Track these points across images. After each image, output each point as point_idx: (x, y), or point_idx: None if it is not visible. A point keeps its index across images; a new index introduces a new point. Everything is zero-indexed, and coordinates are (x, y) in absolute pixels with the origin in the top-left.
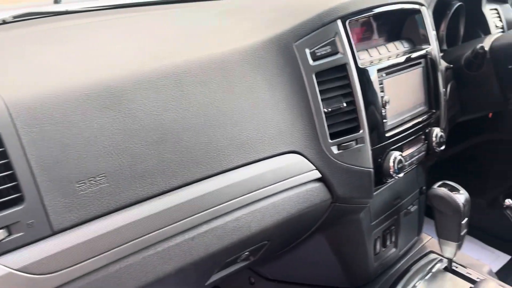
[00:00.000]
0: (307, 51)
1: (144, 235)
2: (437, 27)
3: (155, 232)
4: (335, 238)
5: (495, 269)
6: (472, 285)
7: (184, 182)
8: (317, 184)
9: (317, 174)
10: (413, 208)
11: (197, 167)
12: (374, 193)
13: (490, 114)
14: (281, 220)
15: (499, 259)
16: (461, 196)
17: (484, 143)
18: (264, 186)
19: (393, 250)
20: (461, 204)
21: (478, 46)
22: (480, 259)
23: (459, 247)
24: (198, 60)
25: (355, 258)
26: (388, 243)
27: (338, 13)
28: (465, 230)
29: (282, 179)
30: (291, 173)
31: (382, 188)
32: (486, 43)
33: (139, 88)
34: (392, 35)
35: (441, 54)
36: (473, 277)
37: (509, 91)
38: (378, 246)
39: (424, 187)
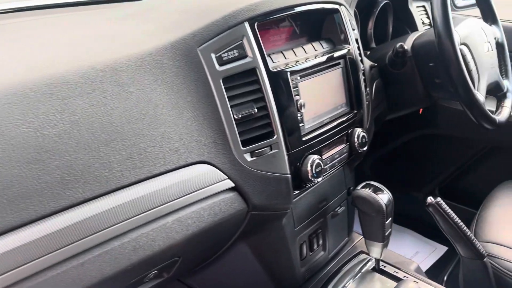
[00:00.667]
0: (213, 55)
1: (22, 265)
2: (365, 25)
3: (35, 261)
4: (258, 246)
5: (433, 260)
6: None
7: (68, 203)
8: (231, 194)
9: (230, 184)
10: (340, 210)
11: (84, 187)
12: (297, 198)
13: (421, 110)
14: (190, 235)
15: (437, 251)
16: (384, 196)
17: (419, 139)
18: (168, 201)
19: (322, 253)
20: (383, 205)
21: (398, 44)
22: (419, 251)
23: (385, 246)
24: (83, 68)
25: (280, 265)
26: (315, 247)
27: (245, 15)
28: (389, 230)
29: (190, 192)
30: (200, 185)
31: (306, 192)
32: (408, 41)
33: (8, 103)
34: (311, 36)
35: (368, 52)
36: (400, 275)
37: (431, 89)
38: (304, 251)
39: (352, 188)
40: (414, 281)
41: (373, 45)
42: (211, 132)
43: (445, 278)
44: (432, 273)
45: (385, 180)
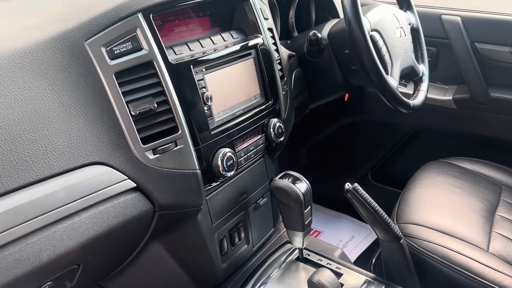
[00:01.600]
0: (103, 49)
1: None
2: (287, 13)
3: None
4: (174, 245)
5: (368, 242)
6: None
7: None
8: (133, 195)
9: (131, 184)
10: (263, 201)
11: None
12: (213, 193)
13: (346, 97)
14: (87, 241)
15: (372, 234)
16: (301, 186)
17: (349, 125)
18: (56, 207)
19: (245, 246)
20: (301, 194)
21: (311, 33)
22: (355, 235)
23: (305, 235)
24: None
25: (199, 263)
26: (237, 241)
27: (138, 5)
28: (309, 219)
29: (83, 196)
30: (95, 188)
31: (223, 186)
32: (325, 29)
33: None
34: (222, 26)
35: (289, 41)
36: (324, 263)
37: (349, 76)
38: (225, 246)
39: (274, 178)
40: (337, 267)
41: (295, 34)
42: (105, 131)
43: (373, 261)
44: (366, 255)
45: (320, 167)
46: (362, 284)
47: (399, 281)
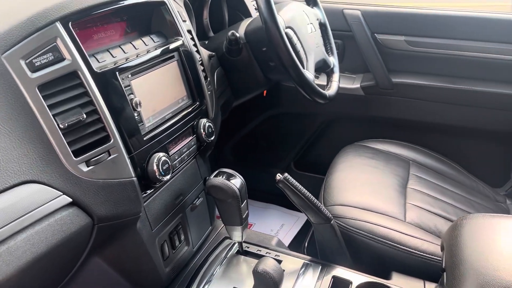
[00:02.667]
0: (22, 62)
1: None
2: (200, 15)
3: None
4: (115, 257)
5: (298, 228)
6: None
7: None
8: (70, 210)
9: (67, 199)
10: (199, 201)
11: None
12: (150, 199)
13: (265, 93)
14: (25, 264)
15: (300, 219)
16: (236, 182)
17: (269, 119)
18: None
19: (186, 248)
20: (237, 190)
21: (229, 33)
22: (285, 223)
23: (244, 229)
24: None
25: (142, 271)
26: (177, 243)
27: (55, 14)
28: (246, 212)
29: (16, 218)
30: (29, 207)
31: (159, 191)
32: (241, 29)
33: None
34: (141, 31)
35: (207, 42)
36: (263, 252)
37: (268, 72)
38: (167, 251)
39: (207, 177)
40: (276, 255)
41: (211, 34)
42: (33, 147)
43: (306, 244)
44: (298, 240)
45: (245, 162)
46: (301, 268)
47: (333, 260)
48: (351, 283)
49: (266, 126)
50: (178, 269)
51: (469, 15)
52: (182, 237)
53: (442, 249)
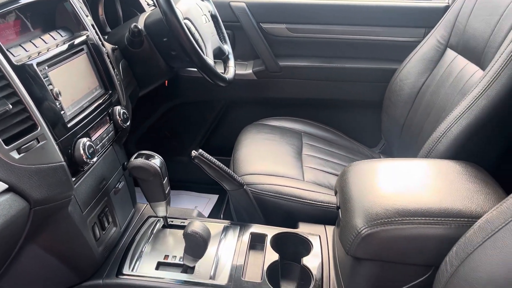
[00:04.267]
0: None
1: None
2: (96, 12)
3: None
4: (50, 242)
5: (211, 207)
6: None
7: None
8: (7, 196)
9: (3, 186)
10: (121, 185)
11: None
12: (78, 183)
13: (166, 83)
14: None
15: (211, 200)
16: (156, 161)
17: (173, 109)
18: None
19: (114, 229)
20: (158, 168)
21: (132, 25)
22: (197, 205)
23: (168, 204)
24: None
25: (78, 252)
26: (106, 225)
27: None
28: (168, 188)
29: None
30: None
31: (84, 177)
32: (140, 21)
33: None
34: (46, 26)
35: (106, 37)
36: (186, 223)
37: (170, 61)
38: (97, 232)
39: (125, 163)
40: (199, 219)
41: (108, 29)
42: None
43: (221, 215)
44: (213, 214)
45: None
46: (222, 231)
47: (248, 220)
48: (266, 235)
49: (169, 117)
50: (109, 249)
51: (337, 3)
52: (110, 219)
53: (336, 193)
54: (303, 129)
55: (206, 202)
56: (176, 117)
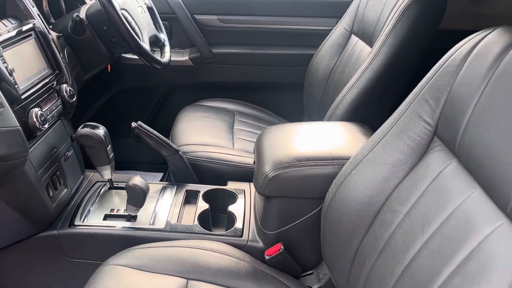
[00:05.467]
0: None
1: None
2: (40, 4)
3: None
4: (9, 195)
5: None
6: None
7: None
8: None
9: None
10: (70, 153)
11: None
12: (32, 148)
13: (109, 68)
14: None
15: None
16: (101, 130)
17: (115, 96)
18: None
19: (65, 190)
20: (102, 136)
21: (74, 15)
22: None
23: (113, 168)
24: None
25: (34, 206)
26: (58, 185)
27: None
28: (112, 154)
29: None
30: None
31: (37, 143)
32: (82, 12)
33: None
34: None
35: (51, 26)
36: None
37: (111, 47)
38: (51, 191)
39: (73, 135)
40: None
41: (52, 20)
42: None
43: (163, 180)
44: None
45: None
46: (161, 190)
47: (184, 181)
48: (199, 191)
49: (114, 102)
50: (62, 206)
51: None
52: (62, 181)
53: (254, 151)
54: (235, 108)
55: (152, 179)
56: (120, 102)
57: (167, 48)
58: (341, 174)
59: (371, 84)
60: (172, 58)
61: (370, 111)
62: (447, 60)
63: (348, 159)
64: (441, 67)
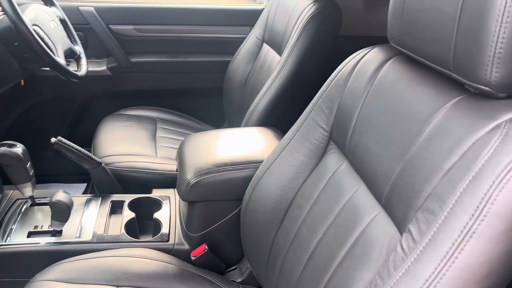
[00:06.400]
0: None
1: None
2: None
3: None
4: None
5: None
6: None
7: None
8: None
9: None
10: None
11: None
12: None
13: (22, 82)
14: None
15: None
16: (19, 149)
17: (34, 107)
18: None
19: None
20: (21, 154)
21: None
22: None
23: (33, 185)
24: None
25: None
26: None
27: None
28: (32, 171)
29: None
30: None
31: None
32: None
33: None
34: None
35: None
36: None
37: (24, 63)
38: None
39: None
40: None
41: None
42: None
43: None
44: None
45: None
46: (86, 202)
47: (109, 193)
48: (124, 201)
49: (30, 115)
50: None
51: (177, 6)
52: None
53: (176, 159)
54: (157, 116)
55: (75, 191)
56: (37, 115)
57: (83, 61)
58: (256, 177)
59: (281, 91)
60: (89, 68)
61: (282, 116)
62: (337, 74)
63: (261, 162)
64: (332, 80)
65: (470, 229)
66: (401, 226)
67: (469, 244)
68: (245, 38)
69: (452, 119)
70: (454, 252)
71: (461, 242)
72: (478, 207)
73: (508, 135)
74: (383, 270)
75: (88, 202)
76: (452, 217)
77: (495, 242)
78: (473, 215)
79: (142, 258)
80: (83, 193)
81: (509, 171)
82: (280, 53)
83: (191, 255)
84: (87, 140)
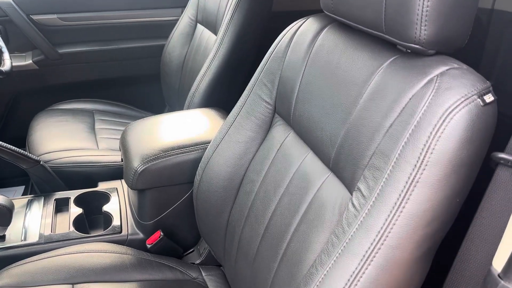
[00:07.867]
0: None
1: None
2: None
3: None
4: None
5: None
6: None
7: None
8: None
9: None
10: None
11: None
12: None
13: None
14: None
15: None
16: None
17: None
18: None
19: None
20: None
21: None
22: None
23: None
24: None
25: None
26: None
27: None
28: None
29: None
30: None
31: None
32: None
33: None
34: None
35: None
36: None
37: None
38: None
39: None
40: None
41: None
42: None
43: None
44: None
45: None
46: (27, 203)
47: (52, 191)
48: (69, 198)
49: None
50: None
51: None
52: None
53: (120, 148)
54: (94, 108)
55: (13, 194)
56: None
57: (5, 55)
58: (205, 157)
59: (221, 70)
60: (13, 63)
61: (224, 96)
62: (276, 47)
63: (209, 143)
64: (272, 54)
65: (414, 179)
66: (350, 186)
67: (414, 193)
68: (177, 20)
69: (388, 79)
70: (401, 203)
71: (406, 192)
72: (419, 157)
73: (440, 87)
74: (338, 228)
75: (30, 203)
76: (396, 170)
77: (437, 189)
78: (415, 165)
79: (96, 252)
80: (23, 195)
81: (443, 121)
82: (215, 32)
83: (147, 243)
84: (21, 139)
